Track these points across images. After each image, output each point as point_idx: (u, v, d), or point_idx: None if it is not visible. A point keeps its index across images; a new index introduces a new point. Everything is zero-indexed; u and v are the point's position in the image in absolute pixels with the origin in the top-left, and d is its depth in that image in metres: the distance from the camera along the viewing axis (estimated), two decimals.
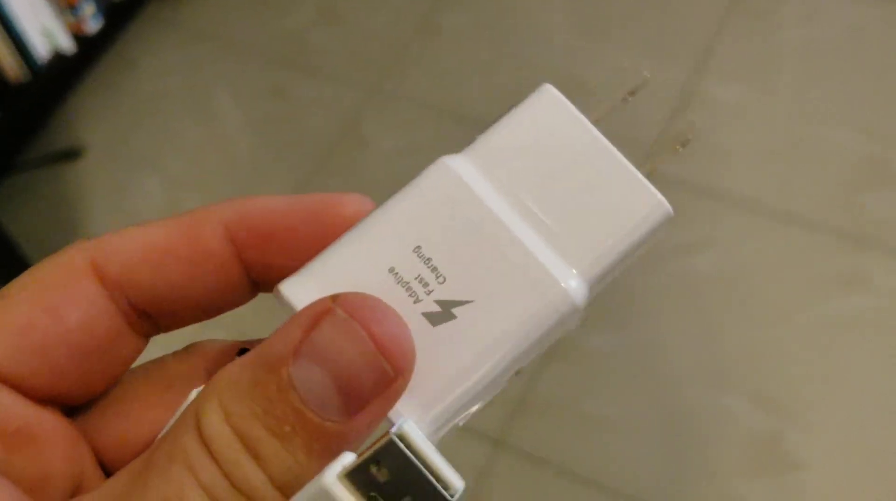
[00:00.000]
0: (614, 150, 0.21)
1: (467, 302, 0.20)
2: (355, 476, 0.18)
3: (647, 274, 1.07)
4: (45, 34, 1.28)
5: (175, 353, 0.23)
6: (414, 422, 0.19)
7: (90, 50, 1.37)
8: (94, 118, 1.35)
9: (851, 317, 1.01)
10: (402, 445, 0.18)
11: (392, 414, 0.19)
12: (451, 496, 0.18)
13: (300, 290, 0.20)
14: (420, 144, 1.21)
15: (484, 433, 0.98)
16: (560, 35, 1.30)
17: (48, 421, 0.21)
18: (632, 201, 0.20)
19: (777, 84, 1.21)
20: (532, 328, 0.20)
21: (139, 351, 0.22)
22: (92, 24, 1.34)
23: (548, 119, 0.21)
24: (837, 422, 0.95)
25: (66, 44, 1.31)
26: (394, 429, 0.18)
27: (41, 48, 1.28)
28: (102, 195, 1.27)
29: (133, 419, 0.22)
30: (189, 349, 0.23)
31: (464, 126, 1.22)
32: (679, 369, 1.00)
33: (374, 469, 0.18)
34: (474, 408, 0.20)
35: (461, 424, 0.21)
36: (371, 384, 0.18)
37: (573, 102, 0.22)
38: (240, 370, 0.18)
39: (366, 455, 0.18)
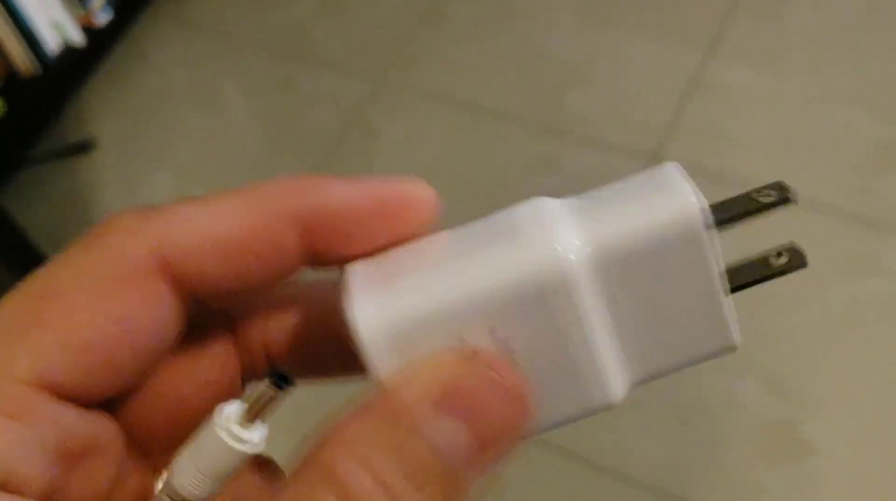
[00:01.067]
0: (717, 281, 0.21)
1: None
2: None
3: None
4: (55, 27, 1.29)
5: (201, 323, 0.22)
6: None
7: (100, 43, 1.37)
8: (104, 111, 1.35)
9: (865, 301, 1.01)
10: None
11: None
12: None
13: (373, 325, 0.19)
14: (427, 135, 1.21)
15: None
16: (566, 22, 1.30)
17: (106, 429, 0.20)
18: (707, 338, 0.21)
19: (789, 68, 1.20)
20: (565, 417, 0.20)
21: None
22: (101, 16, 1.34)
23: (677, 244, 0.20)
24: (852, 408, 0.95)
25: (76, 36, 1.31)
26: None
27: (51, 41, 1.28)
28: (113, 188, 1.27)
29: (163, 382, 0.21)
30: (216, 315, 0.22)
31: (471, 115, 1.22)
32: None
33: None
34: None
35: None
36: (503, 437, 0.19)
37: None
38: (369, 425, 0.18)
39: None
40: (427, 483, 0.17)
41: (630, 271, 0.19)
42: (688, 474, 0.94)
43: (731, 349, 0.21)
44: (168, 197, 1.25)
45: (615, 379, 0.20)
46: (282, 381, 0.19)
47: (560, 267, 0.19)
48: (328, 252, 0.20)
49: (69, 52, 1.31)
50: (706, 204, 0.21)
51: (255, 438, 0.19)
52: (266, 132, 1.28)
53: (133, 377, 0.20)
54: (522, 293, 0.19)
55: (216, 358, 0.21)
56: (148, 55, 1.40)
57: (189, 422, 0.21)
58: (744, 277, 0.22)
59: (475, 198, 1.15)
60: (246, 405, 0.19)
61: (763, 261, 0.22)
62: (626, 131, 1.18)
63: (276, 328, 0.22)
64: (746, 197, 0.22)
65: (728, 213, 0.21)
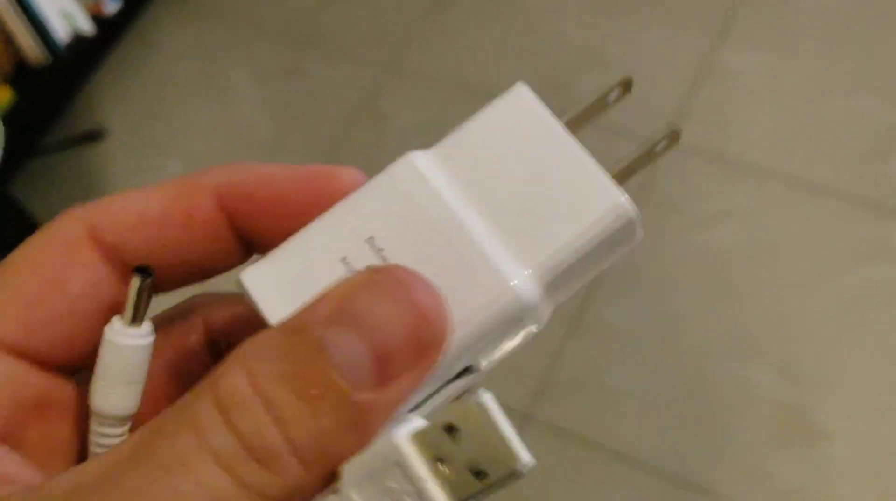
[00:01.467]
0: (583, 152, 0.21)
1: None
2: (424, 439, 0.18)
3: (669, 246, 1.06)
4: (65, 16, 1.29)
5: (172, 308, 0.23)
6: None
7: (109, 32, 1.37)
8: (114, 100, 1.36)
9: (875, 286, 1.00)
10: (484, 413, 0.18)
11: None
12: (522, 469, 0.18)
13: (259, 280, 0.20)
14: (437, 120, 1.21)
15: (511, 408, 0.98)
16: (576, 7, 1.29)
17: (61, 390, 0.21)
18: (592, 202, 0.20)
19: (799, 52, 1.19)
20: (476, 324, 0.19)
21: None
22: (110, 5, 1.34)
23: (517, 118, 0.21)
24: (863, 392, 0.95)
25: (86, 26, 1.31)
26: (476, 398, 0.18)
27: (61, 30, 1.28)
28: (124, 177, 1.28)
29: None
30: (188, 304, 0.23)
31: (480, 100, 1.22)
32: (703, 341, 1.00)
33: (446, 435, 0.17)
34: (419, 397, 0.20)
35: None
36: (408, 354, 0.18)
37: (557, 94, 0.22)
38: (268, 336, 0.18)
39: (441, 420, 0.18)
40: (322, 401, 0.17)
41: (485, 159, 0.20)
42: (700, 459, 0.94)
43: (621, 208, 0.20)
44: None
45: (514, 270, 0.19)
46: (145, 273, 0.20)
47: (417, 167, 0.20)
48: (253, 227, 0.21)
49: (79, 41, 1.31)
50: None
51: (145, 330, 0.21)
52: (275, 120, 1.28)
53: (75, 339, 0.21)
54: (389, 201, 0.20)
55: (178, 337, 0.23)
56: (157, 44, 1.40)
57: (152, 400, 0.22)
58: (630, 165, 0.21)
59: None
60: (128, 310, 0.20)
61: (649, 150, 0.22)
62: (635, 116, 1.18)
63: (220, 314, 0.23)
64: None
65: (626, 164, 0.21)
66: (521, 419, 0.98)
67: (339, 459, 0.17)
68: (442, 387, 0.20)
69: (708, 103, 1.17)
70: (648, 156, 0.22)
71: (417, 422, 0.18)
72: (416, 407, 0.19)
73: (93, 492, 0.17)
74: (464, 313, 0.19)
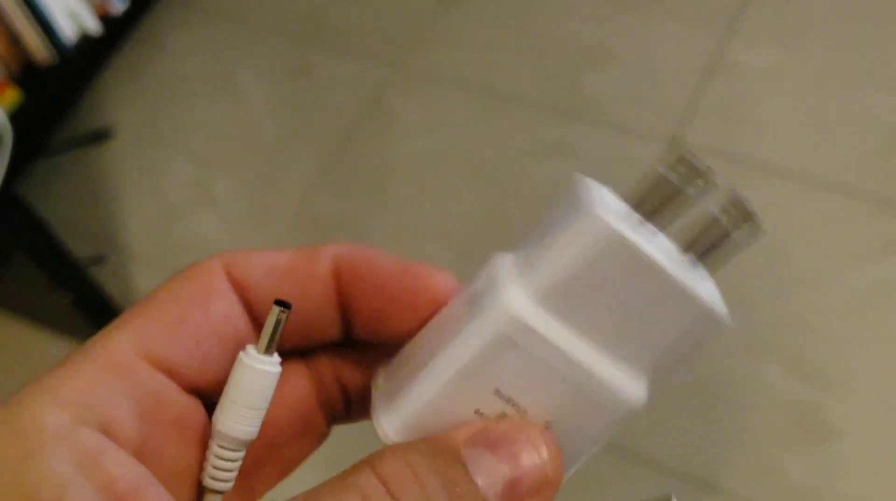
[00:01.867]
0: (664, 266, 0.22)
1: (550, 422, 0.22)
2: None
3: None
4: (72, 16, 1.29)
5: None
6: None
7: (116, 31, 1.37)
8: (121, 100, 1.36)
9: (888, 283, 1.00)
10: None
11: None
12: None
13: (396, 428, 0.22)
14: (446, 119, 1.21)
15: None
16: (584, 4, 1.29)
17: (196, 413, 0.23)
18: (685, 315, 0.22)
19: (809, 48, 1.19)
20: (605, 433, 0.23)
21: None
22: (117, 4, 1.34)
23: (600, 247, 0.21)
24: (876, 389, 0.94)
25: (93, 25, 1.31)
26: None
27: (68, 30, 1.28)
28: (131, 176, 1.28)
29: None
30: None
31: (489, 98, 1.22)
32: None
33: None
34: None
35: None
36: (534, 486, 0.21)
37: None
38: (414, 443, 0.21)
39: None
40: (455, 489, 0.20)
41: (576, 291, 0.22)
42: (711, 457, 0.94)
43: (711, 315, 0.22)
44: (186, 184, 1.25)
45: (622, 382, 0.22)
46: (284, 306, 0.22)
47: (517, 316, 0.21)
48: (352, 300, 0.24)
49: (85, 40, 1.31)
50: (616, 207, 0.22)
51: (275, 360, 0.22)
52: (283, 118, 1.28)
53: (213, 359, 0.23)
54: (501, 351, 0.22)
55: (293, 390, 0.25)
56: (164, 43, 1.40)
57: (268, 447, 0.24)
58: (703, 243, 0.23)
59: (492, 183, 1.15)
60: (263, 338, 0.22)
61: (715, 223, 0.23)
62: (644, 114, 1.18)
63: (346, 363, 0.25)
64: (661, 180, 0.23)
65: (648, 203, 0.23)
66: None
67: None
68: None
69: (717, 100, 1.16)
70: (724, 244, 0.24)
71: None
72: None
73: None
74: (594, 432, 0.23)
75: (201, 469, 0.23)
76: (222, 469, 0.22)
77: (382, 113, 1.25)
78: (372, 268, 0.24)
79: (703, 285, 0.23)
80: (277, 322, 0.22)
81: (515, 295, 0.22)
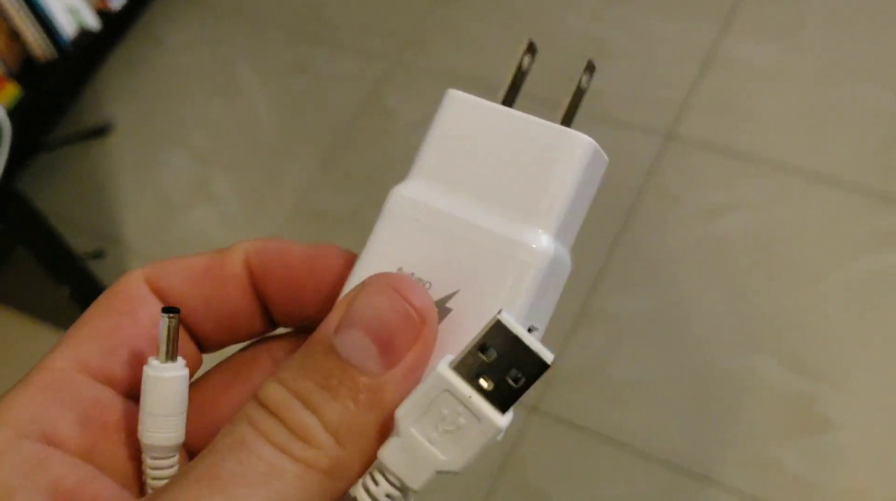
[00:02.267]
0: (528, 117, 0.24)
1: (455, 293, 0.22)
2: (462, 364, 0.21)
3: (675, 237, 1.06)
4: (71, 12, 1.29)
5: (243, 347, 0.26)
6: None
7: (115, 27, 1.37)
8: (121, 95, 1.36)
9: (883, 275, 1.00)
10: (507, 325, 0.20)
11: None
12: (547, 363, 0.21)
13: None
14: None
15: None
16: None
17: (137, 414, 0.24)
18: (559, 150, 0.23)
19: (806, 42, 1.19)
20: (520, 291, 0.22)
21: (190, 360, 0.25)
22: (116, 0, 1.34)
23: (463, 117, 0.24)
24: (871, 381, 0.95)
25: (92, 21, 1.32)
26: (496, 315, 0.21)
27: (67, 26, 1.28)
28: (130, 171, 1.28)
29: (207, 404, 0.25)
30: (254, 343, 0.26)
31: (487, 93, 1.22)
32: (708, 331, 1.00)
33: (479, 355, 0.21)
34: None
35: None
36: (403, 334, 0.21)
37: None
38: (294, 355, 0.22)
39: (471, 344, 0.21)
40: (340, 387, 0.20)
41: (456, 161, 0.23)
42: (706, 449, 0.94)
43: (585, 143, 0.23)
44: (185, 179, 1.25)
45: (527, 234, 0.22)
46: (171, 312, 0.23)
47: (407, 196, 0.23)
48: (267, 290, 0.25)
49: (85, 36, 1.31)
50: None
51: (179, 364, 0.23)
52: (282, 113, 1.28)
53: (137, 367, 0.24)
54: (400, 233, 0.23)
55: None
56: (163, 38, 1.40)
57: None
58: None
59: None
60: (161, 347, 0.23)
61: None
62: (641, 109, 1.18)
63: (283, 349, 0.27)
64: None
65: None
66: (526, 411, 0.98)
67: (370, 437, 0.21)
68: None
69: (713, 94, 1.17)
70: (578, 93, 0.25)
71: (450, 356, 0.21)
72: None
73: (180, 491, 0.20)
74: (505, 287, 0.22)
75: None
76: (160, 477, 0.23)
77: (380, 108, 1.25)
78: (280, 258, 0.25)
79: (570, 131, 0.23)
80: (169, 329, 0.23)
81: (402, 184, 0.23)
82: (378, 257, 0.23)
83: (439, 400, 0.21)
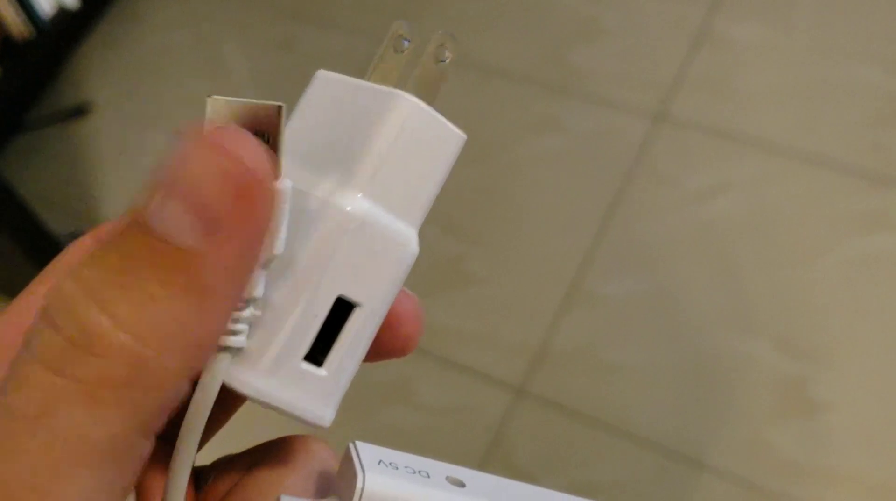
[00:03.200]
0: (371, 85, 0.23)
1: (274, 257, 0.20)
2: None
3: (666, 219, 1.05)
4: None
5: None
6: (237, 370, 0.20)
7: (94, 4, 1.35)
8: (101, 74, 1.34)
9: (875, 257, 0.99)
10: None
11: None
12: None
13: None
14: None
15: (505, 382, 0.98)
16: None
17: None
18: (377, 109, 0.21)
19: (796, 20, 1.18)
20: (337, 258, 0.20)
21: None
22: None
23: (321, 94, 0.24)
24: (863, 363, 0.94)
25: None
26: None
27: (45, 4, 1.27)
28: (110, 151, 1.26)
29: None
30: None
31: (479, 73, 1.20)
32: (701, 314, 0.99)
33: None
34: (324, 365, 0.21)
35: (322, 383, 0.21)
36: (229, 200, 0.16)
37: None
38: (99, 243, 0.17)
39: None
40: (142, 270, 0.16)
41: (305, 135, 0.23)
42: (698, 432, 0.93)
43: (400, 103, 0.21)
44: None
45: (345, 198, 0.20)
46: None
47: None
48: None
49: (63, 14, 1.29)
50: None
51: None
52: (267, 93, 1.26)
53: None
54: None
55: None
56: (144, 16, 1.38)
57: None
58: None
59: (478, 157, 1.13)
60: None
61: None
62: (631, 88, 1.17)
63: None
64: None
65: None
66: (515, 393, 0.97)
67: (191, 331, 0.16)
68: (339, 332, 0.21)
69: (704, 74, 1.16)
70: (429, 63, 0.23)
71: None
72: (325, 359, 0.20)
73: None
74: (323, 255, 0.20)
75: None
76: None
77: None
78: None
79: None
80: None
81: None
82: None
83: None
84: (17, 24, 1.24)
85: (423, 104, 0.21)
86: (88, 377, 0.15)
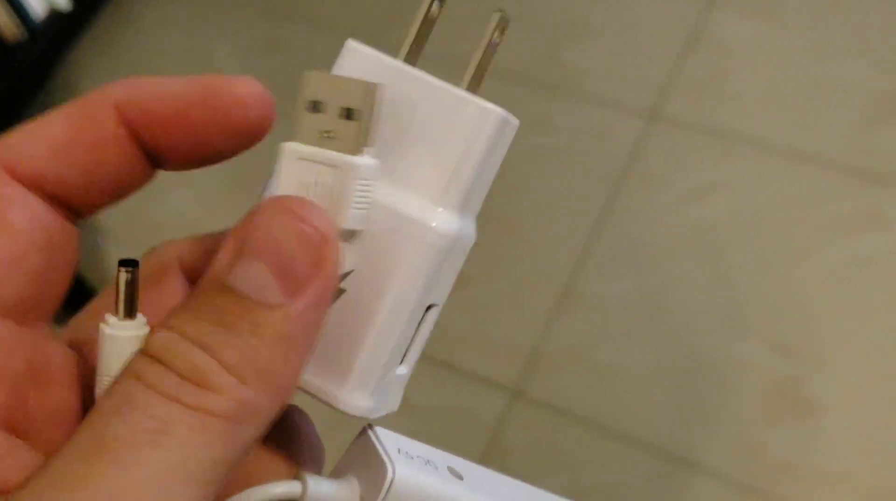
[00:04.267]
0: (433, 79, 0.22)
1: (349, 272, 0.21)
2: (301, 130, 0.21)
3: (659, 219, 1.05)
4: None
5: (145, 254, 0.24)
6: (345, 394, 0.21)
7: (87, 6, 1.35)
8: (93, 76, 1.34)
9: (868, 256, 0.99)
10: (324, 75, 0.21)
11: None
12: (375, 91, 0.20)
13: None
14: None
15: (499, 384, 0.98)
16: None
17: (53, 355, 0.22)
18: (464, 120, 0.21)
19: (787, 19, 1.18)
20: (420, 274, 0.21)
21: (76, 241, 0.23)
22: None
23: (363, 75, 0.22)
24: (857, 364, 0.94)
25: (63, 1, 1.29)
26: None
27: (37, 6, 1.26)
28: None
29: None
30: (154, 250, 0.24)
31: (464, 71, 1.20)
32: (693, 314, 0.99)
33: (313, 112, 0.21)
34: (403, 363, 0.22)
35: (402, 379, 0.22)
36: (307, 262, 0.19)
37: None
38: (183, 300, 0.19)
39: (302, 101, 0.21)
40: (239, 323, 0.18)
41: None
42: (691, 433, 0.93)
43: (492, 114, 0.21)
44: None
45: (428, 214, 0.21)
46: (129, 265, 0.21)
47: (296, 152, 0.21)
48: (156, 141, 0.22)
49: (56, 16, 1.29)
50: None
51: (140, 322, 0.21)
52: None
53: (24, 287, 0.21)
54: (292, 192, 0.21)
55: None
56: (136, 17, 1.38)
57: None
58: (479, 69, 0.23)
59: None
60: (120, 305, 0.21)
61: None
62: (624, 87, 1.16)
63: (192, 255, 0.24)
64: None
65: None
66: (510, 395, 0.97)
67: (281, 373, 0.19)
68: (416, 330, 0.22)
69: (696, 73, 1.15)
70: (488, 51, 0.24)
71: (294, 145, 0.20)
72: (404, 357, 0.21)
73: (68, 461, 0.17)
74: (400, 269, 0.20)
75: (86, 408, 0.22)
76: None
77: None
78: (164, 103, 0.21)
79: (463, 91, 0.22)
80: (127, 284, 0.21)
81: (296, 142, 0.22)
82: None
83: (300, 168, 0.20)
84: (8, 25, 1.24)
85: (511, 118, 0.22)
86: (201, 406, 0.18)
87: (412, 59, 0.23)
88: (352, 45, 0.24)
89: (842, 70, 1.12)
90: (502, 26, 0.24)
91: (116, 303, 0.21)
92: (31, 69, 1.31)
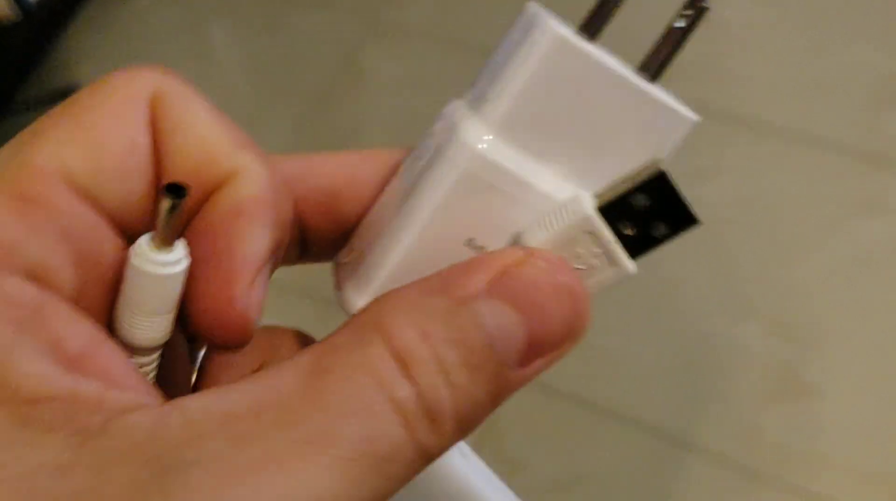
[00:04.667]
0: (631, 78, 0.22)
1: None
2: (608, 209, 0.19)
3: None
4: None
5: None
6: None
7: None
8: (88, 57, 1.33)
9: (872, 241, 0.99)
10: (668, 177, 0.20)
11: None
12: (694, 220, 0.21)
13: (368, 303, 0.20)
14: (422, 75, 1.19)
15: None
16: None
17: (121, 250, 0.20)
18: (660, 132, 0.21)
19: (792, 1, 1.17)
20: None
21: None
22: None
23: (555, 61, 0.20)
24: (855, 349, 0.94)
25: None
26: (657, 165, 0.20)
27: None
28: None
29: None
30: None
31: (467, 54, 1.19)
32: (693, 297, 0.99)
33: (629, 201, 0.19)
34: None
35: None
36: (558, 340, 0.19)
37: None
38: (423, 295, 0.18)
39: (621, 189, 0.19)
40: (481, 373, 0.18)
41: (540, 118, 0.20)
42: (690, 415, 0.93)
43: (687, 121, 0.21)
44: None
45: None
46: (176, 193, 0.18)
47: (480, 154, 0.19)
48: (310, 215, 0.23)
49: None
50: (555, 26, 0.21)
51: (178, 254, 0.18)
52: (256, 74, 1.26)
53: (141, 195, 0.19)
54: (462, 195, 0.20)
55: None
56: None
57: None
58: (660, 56, 0.22)
59: None
60: (158, 233, 0.18)
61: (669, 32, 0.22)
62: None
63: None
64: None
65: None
66: None
67: (475, 426, 0.18)
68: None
69: (696, 55, 1.15)
70: (674, 38, 0.23)
71: (587, 197, 0.19)
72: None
73: (268, 428, 0.16)
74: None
75: None
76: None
77: (357, 69, 1.23)
78: (319, 180, 0.23)
79: (661, 92, 0.22)
80: (172, 211, 0.18)
81: (474, 130, 0.20)
82: (444, 219, 0.20)
83: (578, 239, 0.19)
84: (2, 7, 1.23)
85: (697, 120, 0.22)
86: (423, 442, 0.17)
87: (593, 32, 0.22)
88: (546, 25, 0.22)
89: (846, 52, 1.11)
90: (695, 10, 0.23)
91: (156, 227, 0.18)
92: (25, 50, 1.30)
